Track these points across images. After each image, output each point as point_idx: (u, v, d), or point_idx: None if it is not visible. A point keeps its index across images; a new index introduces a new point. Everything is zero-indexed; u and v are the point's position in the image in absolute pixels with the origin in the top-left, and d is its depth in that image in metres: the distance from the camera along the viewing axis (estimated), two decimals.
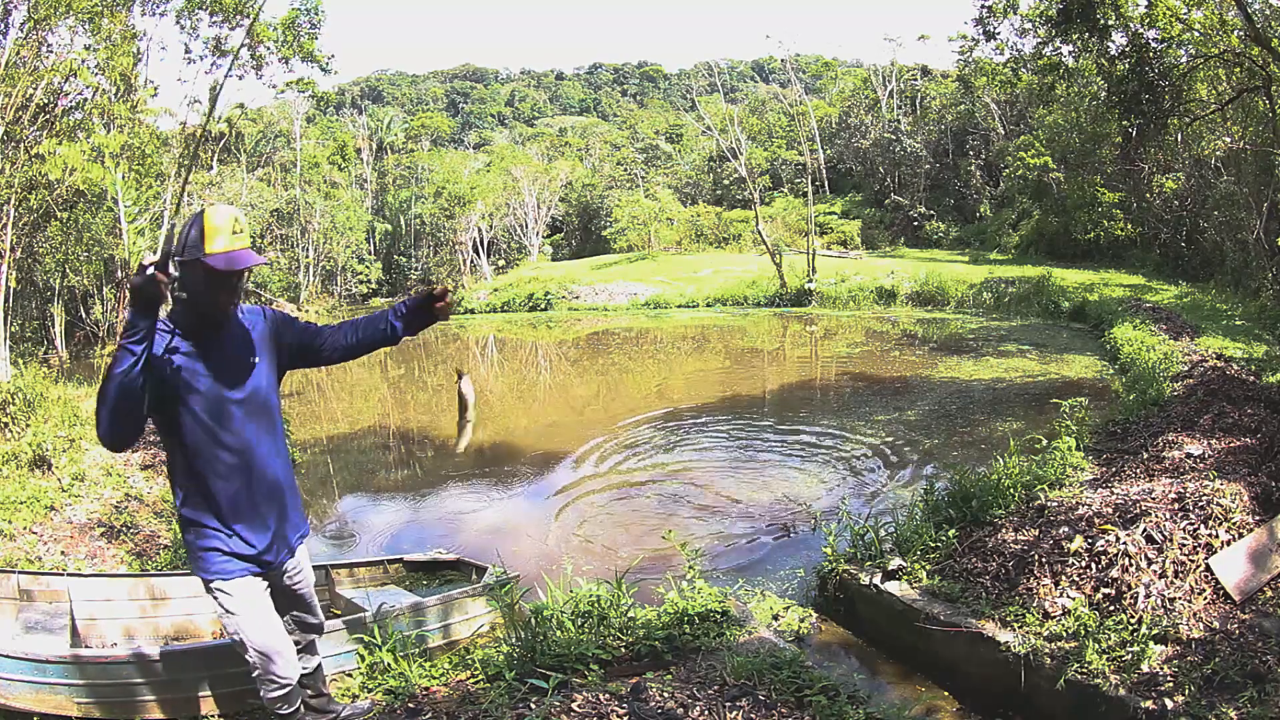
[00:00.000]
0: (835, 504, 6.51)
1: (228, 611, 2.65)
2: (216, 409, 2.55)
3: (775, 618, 4.77)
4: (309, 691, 3.08)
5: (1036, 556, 4.14)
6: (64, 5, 10.82)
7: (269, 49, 18.10)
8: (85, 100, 12.72)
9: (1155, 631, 3.48)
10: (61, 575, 4.24)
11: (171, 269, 2.41)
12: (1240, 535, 3.98)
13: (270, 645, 2.72)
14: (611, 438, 9.63)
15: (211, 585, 2.64)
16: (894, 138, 35.26)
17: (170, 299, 2.44)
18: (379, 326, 2.76)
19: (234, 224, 2.47)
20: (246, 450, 2.61)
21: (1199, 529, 4.03)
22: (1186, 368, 9.33)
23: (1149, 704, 3.10)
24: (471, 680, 3.57)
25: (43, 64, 11.14)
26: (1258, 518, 4.13)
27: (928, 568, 4.51)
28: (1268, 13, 14.29)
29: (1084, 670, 3.35)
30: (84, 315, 19.93)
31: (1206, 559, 3.86)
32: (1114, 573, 3.84)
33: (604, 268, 30.96)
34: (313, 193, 34.92)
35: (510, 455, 9.27)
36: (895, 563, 4.54)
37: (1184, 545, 3.94)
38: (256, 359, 2.65)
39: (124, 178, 14.01)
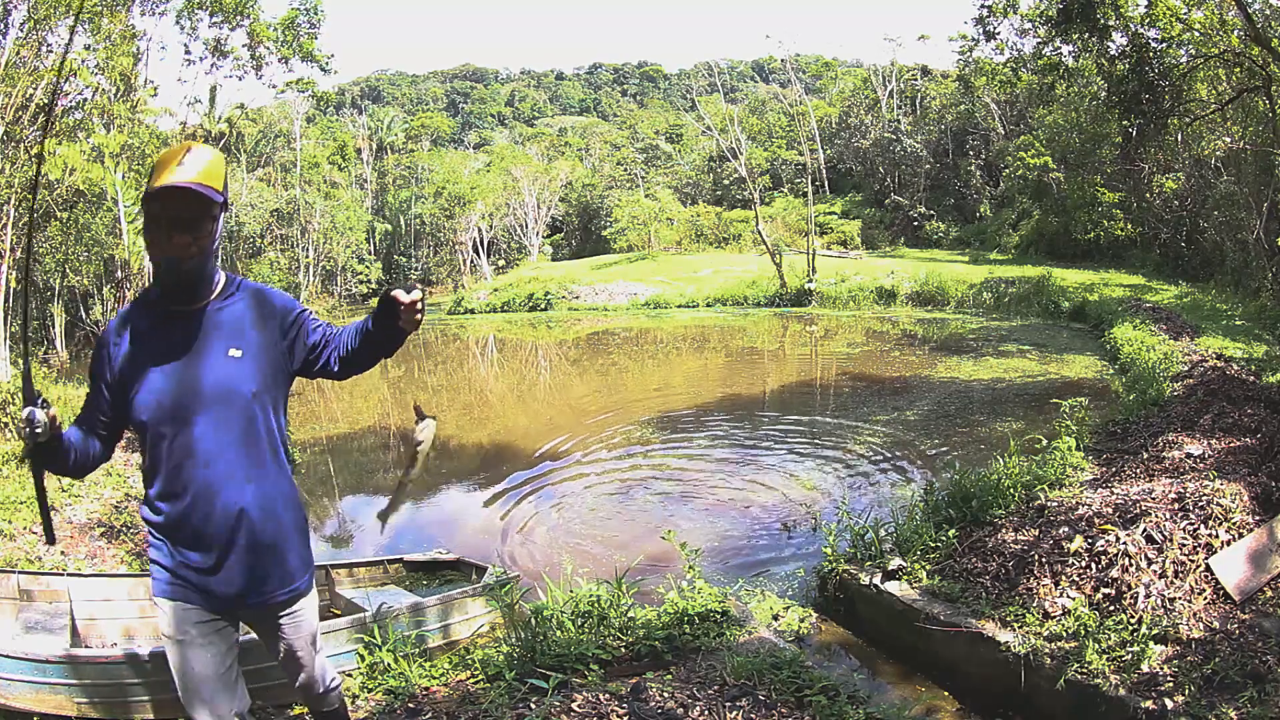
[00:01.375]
0: (835, 504, 6.51)
1: (162, 633, 2.18)
2: (172, 408, 2.05)
3: (775, 618, 4.77)
4: None
5: (1036, 556, 4.14)
6: (64, 5, 10.83)
7: (269, 49, 18.11)
8: (85, 100, 12.72)
9: (1155, 631, 3.48)
10: (61, 575, 4.24)
11: (38, 415, 1.95)
12: (1240, 535, 3.98)
13: (190, 691, 2.16)
14: (611, 438, 9.63)
15: (154, 599, 2.20)
16: (894, 138, 35.26)
17: (40, 443, 1.98)
18: (360, 333, 2.24)
19: (181, 155, 2.01)
20: (208, 460, 2.07)
21: (1199, 529, 4.03)
22: (1186, 368, 9.33)
23: (1149, 704, 3.10)
24: (471, 680, 3.57)
25: (43, 64, 11.15)
26: (1258, 518, 4.13)
27: (928, 568, 4.51)
28: (1268, 13, 14.29)
29: (1084, 670, 3.35)
30: (84, 315, 19.93)
31: (1206, 559, 3.86)
32: (1114, 573, 3.84)
33: (604, 268, 30.95)
34: (313, 193, 34.93)
35: (510, 455, 9.27)
36: (895, 563, 4.54)
37: (1184, 545, 3.94)
38: (238, 352, 2.10)
39: (124, 178, 14.01)
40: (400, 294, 2.06)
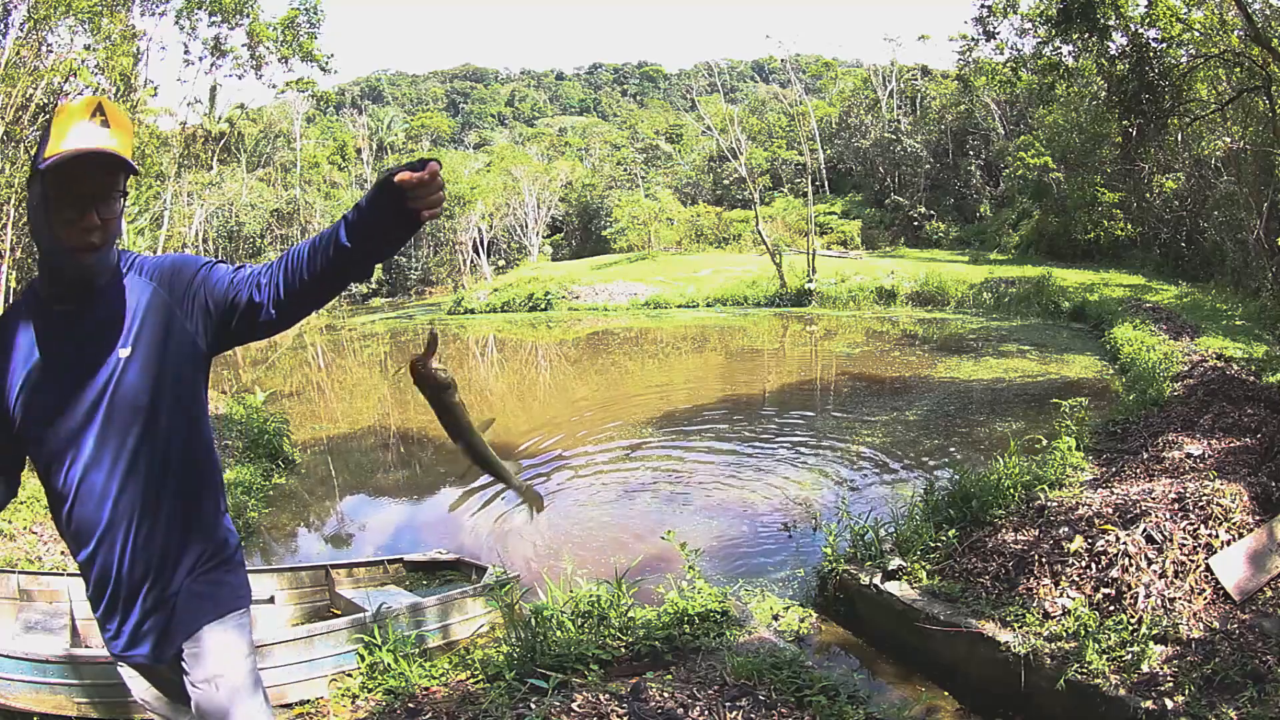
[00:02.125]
0: (835, 504, 6.51)
1: None
2: (58, 432, 1.61)
3: (775, 618, 4.77)
4: None
5: (1036, 556, 4.14)
6: (64, 5, 10.84)
7: (268, 49, 18.12)
8: None
9: (1155, 631, 3.48)
10: (61, 575, 4.24)
11: None
12: (1240, 535, 3.98)
13: None
14: (611, 438, 9.63)
15: None
16: (894, 138, 35.25)
17: None
18: (322, 250, 1.58)
19: (89, 112, 1.53)
20: (104, 494, 1.62)
21: (1199, 529, 4.03)
22: (1186, 368, 9.33)
23: (1149, 704, 3.10)
24: (471, 680, 3.57)
25: (43, 64, 11.15)
26: (1258, 518, 4.13)
27: (928, 568, 4.51)
28: (1268, 13, 14.29)
29: (1084, 670, 3.35)
30: None
31: (1206, 559, 3.86)
32: (1114, 573, 3.84)
33: (604, 268, 30.95)
34: (313, 193, 34.96)
35: (510, 455, 9.26)
36: (895, 563, 4.54)
37: (1184, 545, 3.94)
38: (126, 350, 1.62)
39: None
40: (407, 175, 1.47)
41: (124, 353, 1.62)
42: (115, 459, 1.62)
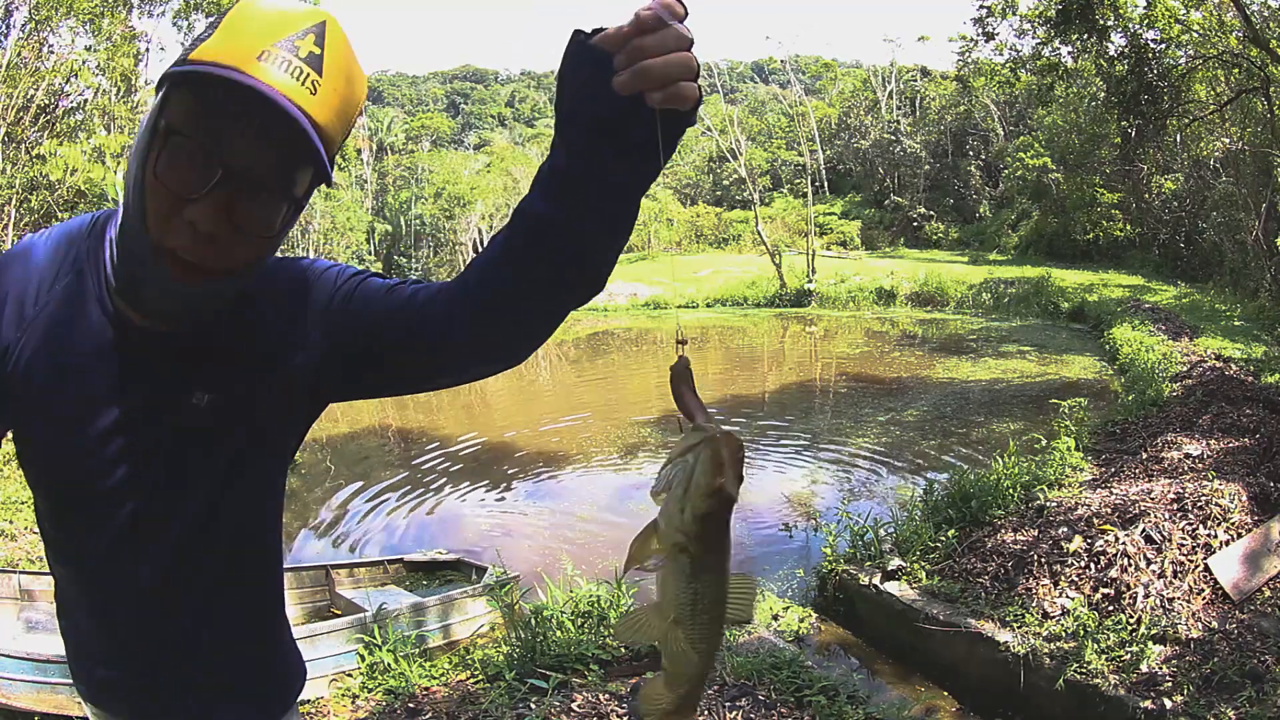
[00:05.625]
0: (835, 504, 6.52)
1: None
2: (88, 496, 1.00)
3: (775, 618, 4.78)
4: None
5: (1035, 557, 4.15)
6: (65, 6, 10.85)
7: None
8: (86, 101, 12.73)
9: (1154, 631, 3.49)
10: None
11: None
12: (1238, 535, 3.99)
13: None
14: (610, 438, 9.64)
15: None
16: (893, 138, 35.30)
17: None
18: (513, 225, 0.90)
19: (313, 37, 0.89)
20: (131, 591, 1.04)
21: (1197, 529, 4.05)
22: (1185, 368, 9.35)
23: (1148, 704, 3.11)
24: (471, 680, 3.58)
25: (44, 65, 11.16)
26: (1256, 518, 4.14)
27: (927, 568, 4.52)
28: (1266, 14, 14.31)
29: (1083, 670, 3.36)
30: None
31: (1205, 559, 3.87)
32: (1113, 573, 3.85)
33: None
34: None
35: (510, 455, 9.28)
36: (895, 563, 4.55)
37: (1182, 545, 3.96)
38: (206, 396, 0.99)
39: (124, 178, 13.97)
40: (611, 31, 0.74)
41: (200, 398, 0.99)
42: (155, 546, 1.02)
